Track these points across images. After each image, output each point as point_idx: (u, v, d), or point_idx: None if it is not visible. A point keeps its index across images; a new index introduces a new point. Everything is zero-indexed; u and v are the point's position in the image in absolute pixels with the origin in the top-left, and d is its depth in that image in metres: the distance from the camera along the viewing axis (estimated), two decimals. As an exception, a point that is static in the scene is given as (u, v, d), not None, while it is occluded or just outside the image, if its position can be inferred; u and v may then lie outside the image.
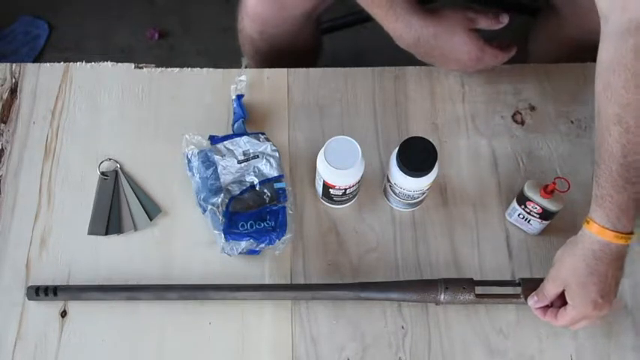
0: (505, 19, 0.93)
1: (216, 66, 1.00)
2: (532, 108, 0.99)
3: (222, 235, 0.83)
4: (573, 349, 0.82)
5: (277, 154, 0.90)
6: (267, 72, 1.01)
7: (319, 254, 0.87)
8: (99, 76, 0.99)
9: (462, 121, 0.97)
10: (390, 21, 0.90)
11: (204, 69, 1.00)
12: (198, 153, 0.89)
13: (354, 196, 0.89)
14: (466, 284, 0.80)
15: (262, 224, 0.85)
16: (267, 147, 0.90)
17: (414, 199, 0.87)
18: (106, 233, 0.88)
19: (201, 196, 0.87)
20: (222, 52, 1.66)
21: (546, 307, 0.80)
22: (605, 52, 0.73)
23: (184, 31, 1.75)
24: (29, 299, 0.83)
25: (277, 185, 0.88)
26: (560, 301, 0.78)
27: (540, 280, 0.80)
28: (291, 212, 0.86)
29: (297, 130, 0.96)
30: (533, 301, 0.80)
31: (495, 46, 0.94)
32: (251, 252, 0.85)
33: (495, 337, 0.83)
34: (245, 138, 0.91)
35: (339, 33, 1.55)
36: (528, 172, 0.93)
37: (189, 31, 1.75)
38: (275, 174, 0.88)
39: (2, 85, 0.98)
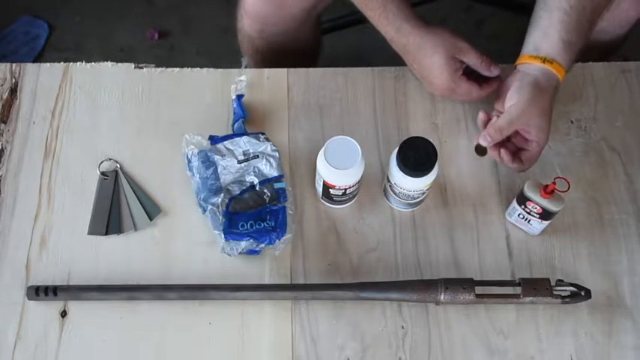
0: (495, 71, 0.91)
1: (216, 66, 1.00)
2: (532, 108, 0.98)
3: (222, 235, 0.83)
4: (573, 349, 0.82)
5: (277, 154, 0.90)
6: (267, 72, 1.01)
7: (319, 254, 0.87)
8: (99, 76, 0.99)
9: (462, 121, 0.97)
10: (382, 24, 0.90)
11: (204, 69, 1.00)
12: (198, 153, 0.89)
13: (354, 196, 0.89)
14: (466, 284, 0.80)
15: (262, 224, 0.84)
16: (267, 147, 0.90)
17: (414, 199, 0.87)
18: (106, 233, 0.88)
19: (201, 196, 0.87)
20: (222, 52, 1.66)
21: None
22: None
23: (184, 31, 1.75)
24: (29, 299, 0.83)
25: (277, 185, 0.88)
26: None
27: (541, 280, 0.80)
28: (291, 212, 0.86)
29: (297, 130, 0.96)
30: (487, 141, 0.85)
31: (473, 81, 0.91)
32: (251, 252, 0.85)
33: (495, 337, 0.82)
34: (245, 138, 0.91)
35: (339, 33, 1.55)
36: (528, 172, 0.93)
37: (189, 31, 1.75)
38: (275, 174, 0.88)
39: (2, 85, 0.98)
